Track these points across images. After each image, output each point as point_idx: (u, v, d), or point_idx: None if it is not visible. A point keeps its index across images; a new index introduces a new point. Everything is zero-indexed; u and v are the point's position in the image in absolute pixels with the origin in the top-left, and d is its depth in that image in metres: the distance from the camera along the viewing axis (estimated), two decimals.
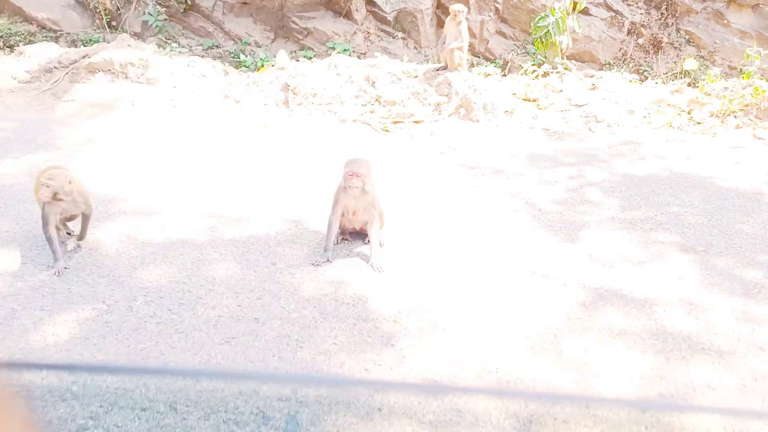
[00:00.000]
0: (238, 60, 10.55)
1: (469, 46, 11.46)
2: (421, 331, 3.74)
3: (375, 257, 4.46)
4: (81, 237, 4.56)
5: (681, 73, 9.82)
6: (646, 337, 3.80)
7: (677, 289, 4.35)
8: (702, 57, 10.84)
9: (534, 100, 8.50)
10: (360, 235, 4.77)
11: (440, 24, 11.61)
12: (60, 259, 4.25)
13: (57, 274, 4.18)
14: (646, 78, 9.93)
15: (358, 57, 9.75)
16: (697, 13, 11.39)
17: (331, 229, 4.55)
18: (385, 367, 3.42)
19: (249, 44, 11.25)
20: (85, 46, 9.79)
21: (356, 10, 11.38)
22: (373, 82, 8.32)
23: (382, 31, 11.52)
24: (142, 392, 3.19)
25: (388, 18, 11.48)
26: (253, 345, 3.55)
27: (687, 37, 11.34)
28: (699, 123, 8.04)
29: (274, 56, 9.47)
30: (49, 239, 4.27)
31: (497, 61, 11.18)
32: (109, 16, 11.47)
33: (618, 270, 4.57)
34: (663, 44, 11.24)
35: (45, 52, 8.93)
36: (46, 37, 11.04)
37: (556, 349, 3.65)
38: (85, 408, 3.06)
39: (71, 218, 4.61)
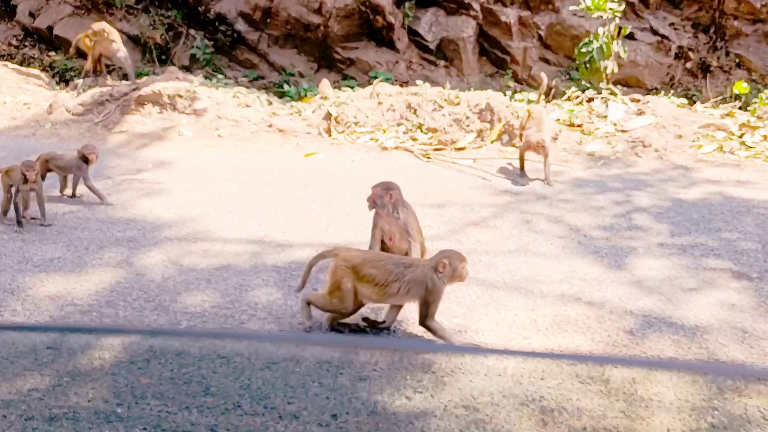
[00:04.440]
0: (282, 90, 10.76)
1: (512, 73, 11.46)
2: (462, 357, 3.68)
3: None
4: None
5: (731, 96, 9.58)
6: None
7: (730, 316, 4.18)
8: (753, 80, 10.57)
9: (578, 126, 8.40)
10: None
11: (482, 52, 11.65)
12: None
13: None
14: (695, 102, 9.72)
15: (400, 85, 9.82)
16: (747, 35, 11.15)
17: None
18: (426, 394, 3.37)
19: (293, 75, 11.47)
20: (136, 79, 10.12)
21: (398, 39, 11.50)
22: (415, 110, 8.36)
23: (424, 59, 11.61)
24: (185, 415, 3.22)
25: (430, 46, 11.55)
26: (293, 370, 3.55)
27: (737, 60, 11.09)
28: (751, 147, 7.81)
29: (317, 86, 9.62)
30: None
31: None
32: (159, 51, 11.87)
33: (667, 297, 4.43)
34: (712, 68, 11.02)
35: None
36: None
37: (602, 378, 3.54)
38: (129, 430, 3.10)
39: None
